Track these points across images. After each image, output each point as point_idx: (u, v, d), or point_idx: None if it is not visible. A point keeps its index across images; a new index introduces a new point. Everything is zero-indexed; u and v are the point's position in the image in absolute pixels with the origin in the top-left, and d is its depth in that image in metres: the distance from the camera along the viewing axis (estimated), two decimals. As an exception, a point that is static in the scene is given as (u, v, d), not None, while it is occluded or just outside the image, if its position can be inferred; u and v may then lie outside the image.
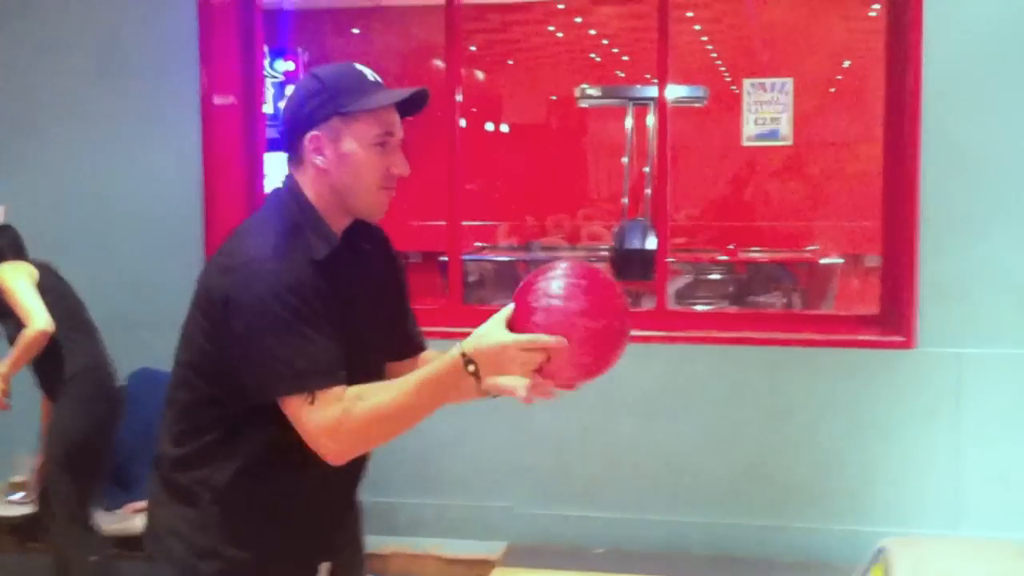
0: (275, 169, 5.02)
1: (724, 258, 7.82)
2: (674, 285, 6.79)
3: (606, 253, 7.74)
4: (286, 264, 1.84)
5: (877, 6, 7.11)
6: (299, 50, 8.58)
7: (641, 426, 4.40)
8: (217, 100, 4.71)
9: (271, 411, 1.85)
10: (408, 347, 2.17)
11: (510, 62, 10.48)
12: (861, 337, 4.26)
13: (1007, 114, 4.03)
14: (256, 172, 4.90)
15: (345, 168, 1.92)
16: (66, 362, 3.89)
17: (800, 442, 4.27)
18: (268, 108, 5.11)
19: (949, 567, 3.21)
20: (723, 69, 9.52)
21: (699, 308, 6.73)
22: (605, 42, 9.89)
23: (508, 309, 1.81)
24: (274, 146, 4.94)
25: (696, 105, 7.87)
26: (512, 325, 1.78)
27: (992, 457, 4.10)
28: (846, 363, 4.21)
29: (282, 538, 2.00)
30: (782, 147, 6.73)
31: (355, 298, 1.99)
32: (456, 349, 1.78)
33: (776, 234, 8.89)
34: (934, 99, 4.04)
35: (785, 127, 5.07)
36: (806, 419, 4.26)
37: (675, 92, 6.58)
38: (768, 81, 4.98)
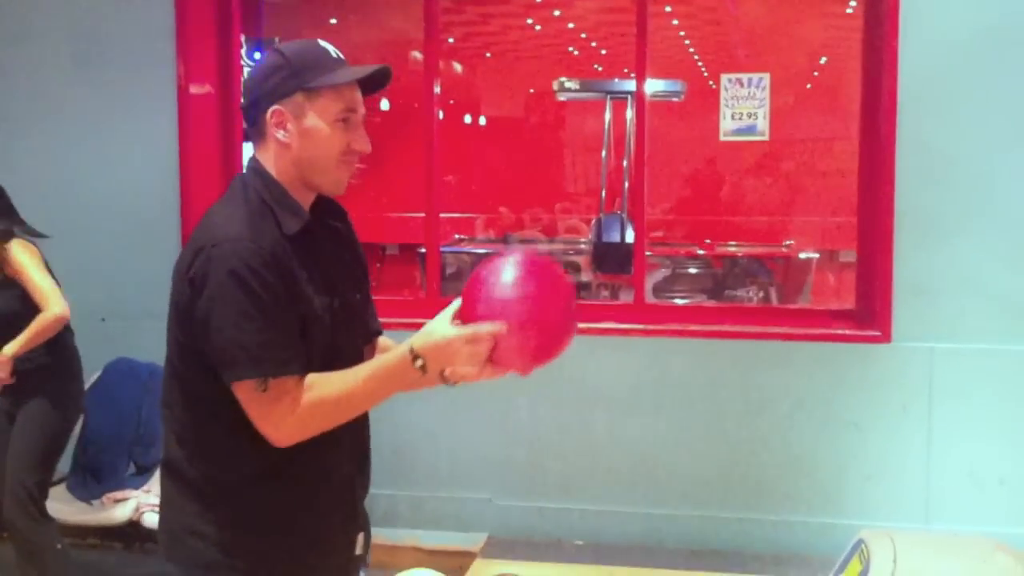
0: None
1: (701, 252, 7.85)
2: (652, 279, 6.82)
3: (584, 246, 7.75)
4: (253, 243, 1.83)
5: (854, 3, 7.15)
6: (276, 40, 8.53)
7: (618, 419, 4.41)
8: (194, 90, 4.68)
9: None
10: (367, 332, 2.18)
11: (488, 55, 10.46)
12: (837, 331, 4.29)
13: (982, 116, 4.07)
14: (233, 163, 4.87)
15: (307, 143, 1.92)
16: (62, 354, 3.83)
17: (775, 435, 4.30)
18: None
19: (928, 561, 3.24)
20: (701, 64, 9.55)
21: (677, 302, 6.76)
22: (583, 36, 9.89)
23: (455, 304, 1.87)
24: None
25: (674, 100, 7.90)
26: (459, 319, 1.83)
27: (964, 451, 4.15)
28: (822, 357, 4.24)
29: (312, 519, 1.99)
30: (759, 142, 6.74)
31: (335, 276, 2.00)
32: (405, 344, 1.83)
33: (752, 229, 8.92)
34: (910, 99, 4.08)
35: (762, 122, 5.10)
36: (782, 412, 4.29)
37: (653, 86, 6.60)
38: (745, 76, 5.01)
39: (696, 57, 9.59)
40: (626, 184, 7.97)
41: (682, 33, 9.34)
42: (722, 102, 5.02)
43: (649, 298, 5.54)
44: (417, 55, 5.54)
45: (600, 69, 10.11)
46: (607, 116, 8.44)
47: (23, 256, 3.69)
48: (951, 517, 4.13)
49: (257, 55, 8.11)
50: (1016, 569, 3.07)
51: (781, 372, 4.29)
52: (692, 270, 7.42)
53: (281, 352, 1.83)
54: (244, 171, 2.00)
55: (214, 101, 4.81)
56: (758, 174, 9.05)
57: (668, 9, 8.63)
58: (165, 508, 2.03)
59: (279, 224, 1.89)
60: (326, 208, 2.06)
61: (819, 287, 7.58)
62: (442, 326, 1.83)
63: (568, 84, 8.51)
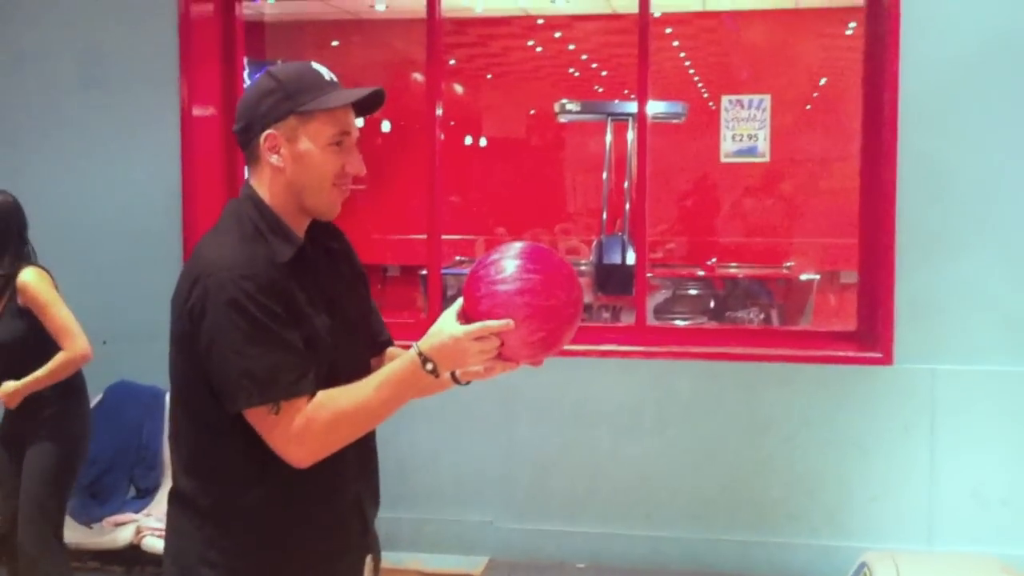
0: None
1: (702, 273, 7.85)
2: (653, 300, 6.81)
3: (585, 268, 7.75)
4: (246, 271, 1.82)
5: (853, 24, 7.18)
6: (279, 62, 8.56)
7: (620, 441, 4.40)
8: (197, 111, 4.70)
9: None
10: (375, 344, 2.18)
11: (489, 76, 10.50)
12: (839, 353, 4.28)
13: (982, 133, 4.08)
14: (235, 183, 4.87)
15: (301, 167, 1.91)
16: (74, 379, 3.74)
17: (778, 457, 4.28)
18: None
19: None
20: (701, 85, 9.58)
21: (678, 323, 6.75)
22: (584, 57, 9.93)
23: (458, 303, 1.86)
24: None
25: (675, 121, 7.91)
26: (463, 317, 1.83)
27: (966, 472, 4.14)
28: (824, 379, 4.24)
29: (320, 540, 1.98)
30: (760, 163, 6.76)
31: (334, 295, 2.00)
32: (413, 349, 1.83)
33: (753, 250, 8.93)
34: (911, 117, 4.08)
35: (763, 143, 5.11)
36: (784, 435, 4.28)
37: (654, 108, 6.60)
38: (746, 98, 5.02)
39: (697, 79, 9.63)
40: (627, 206, 7.98)
41: (683, 55, 9.37)
42: (723, 123, 5.03)
43: (650, 320, 5.53)
44: (419, 77, 5.56)
45: (601, 90, 10.14)
46: (608, 138, 8.45)
47: (42, 287, 3.60)
48: (954, 538, 4.12)
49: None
50: (1020, 591, 3.06)
51: (783, 394, 4.28)
52: (693, 291, 7.42)
53: (289, 374, 1.82)
54: (243, 192, 1.98)
55: (217, 122, 4.83)
56: (759, 195, 9.06)
57: (669, 31, 8.67)
58: (175, 539, 2.00)
59: (272, 251, 1.88)
60: (322, 229, 2.05)
61: (820, 308, 7.57)
62: (448, 325, 1.82)
63: (569, 106, 8.53)
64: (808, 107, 9.26)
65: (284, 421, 1.81)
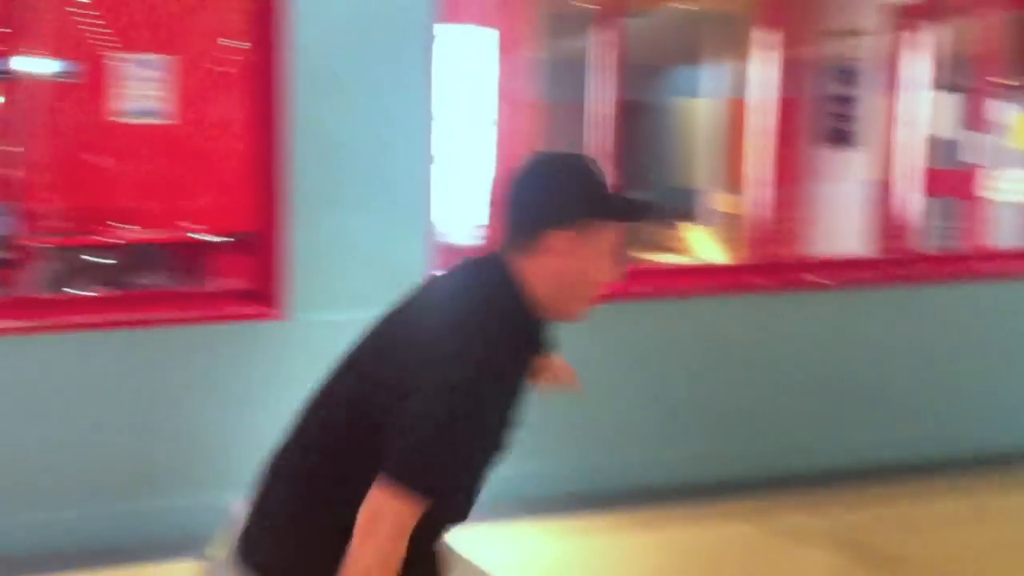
0: None
1: (101, 240, 7.46)
2: (42, 271, 6.34)
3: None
4: (496, 368, 1.79)
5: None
6: None
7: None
8: None
9: None
10: None
11: None
12: (232, 311, 4.30)
13: (368, 99, 4.31)
14: None
15: (579, 271, 1.88)
16: None
17: (171, 422, 4.24)
18: None
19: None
20: (97, 42, 9.11)
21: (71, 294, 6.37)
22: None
23: None
24: None
25: (65, 80, 7.43)
26: None
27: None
28: (219, 339, 4.26)
29: None
30: (162, 125, 6.59)
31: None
32: None
33: (155, 213, 8.69)
34: (301, 81, 4.18)
35: (163, 104, 5.05)
36: (179, 398, 4.23)
37: (39, 66, 6.17)
38: (145, 57, 4.91)
39: (92, 34, 9.14)
40: (8, 171, 7.38)
41: (76, 9, 8.84)
42: (119, 83, 4.88)
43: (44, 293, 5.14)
44: None
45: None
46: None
47: None
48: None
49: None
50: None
51: (178, 358, 4.22)
52: (94, 260, 7.04)
53: (438, 478, 1.74)
54: (503, 268, 1.89)
55: None
56: (161, 157, 8.84)
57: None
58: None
59: (521, 350, 1.87)
60: None
61: (226, 269, 7.58)
62: None
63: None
64: (220, 69, 9.20)
65: (389, 505, 1.72)
